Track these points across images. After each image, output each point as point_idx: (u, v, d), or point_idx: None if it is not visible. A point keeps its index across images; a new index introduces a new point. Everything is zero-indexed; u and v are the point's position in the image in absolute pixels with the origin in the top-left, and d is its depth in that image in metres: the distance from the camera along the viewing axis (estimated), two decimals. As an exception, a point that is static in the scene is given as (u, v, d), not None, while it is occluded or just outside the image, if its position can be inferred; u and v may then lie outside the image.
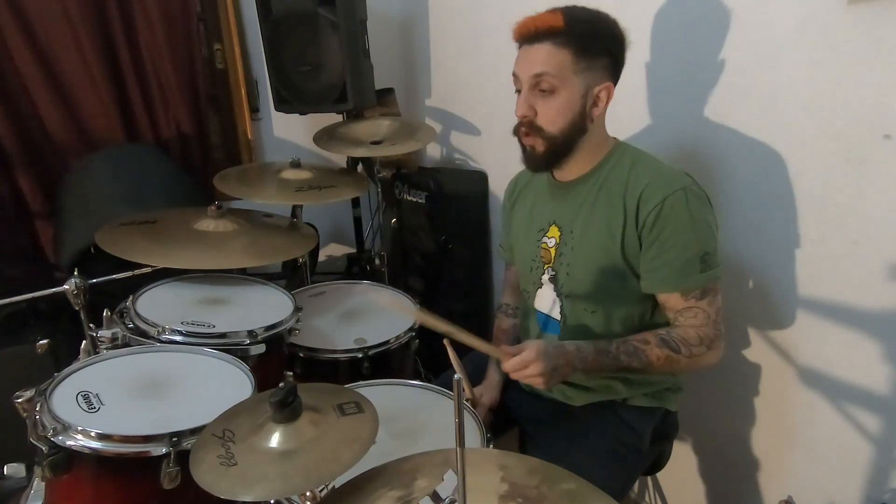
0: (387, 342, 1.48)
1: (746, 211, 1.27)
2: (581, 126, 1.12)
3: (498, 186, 2.20)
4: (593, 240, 1.15)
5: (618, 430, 1.21)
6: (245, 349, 1.29)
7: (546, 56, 1.08)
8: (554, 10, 1.09)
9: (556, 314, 1.25)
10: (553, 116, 1.11)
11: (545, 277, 1.25)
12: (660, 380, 1.23)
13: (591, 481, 0.81)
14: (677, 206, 1.07)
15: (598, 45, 1.09)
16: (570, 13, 1.08)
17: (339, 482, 0.83)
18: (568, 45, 1.07)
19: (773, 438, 1.33)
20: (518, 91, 1.15)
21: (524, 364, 1.04)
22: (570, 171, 1.20)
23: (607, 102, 1.13)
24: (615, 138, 1.22)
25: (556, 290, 1.24)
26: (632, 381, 1.21)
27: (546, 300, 1.27)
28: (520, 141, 1.18)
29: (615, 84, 1.14)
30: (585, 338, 1.17)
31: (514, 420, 1.38)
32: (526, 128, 1.14)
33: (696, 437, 1.54)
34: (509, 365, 1.06)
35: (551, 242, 1.23)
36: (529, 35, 1.10)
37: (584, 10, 1.10)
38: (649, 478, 1.69)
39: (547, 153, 1.15)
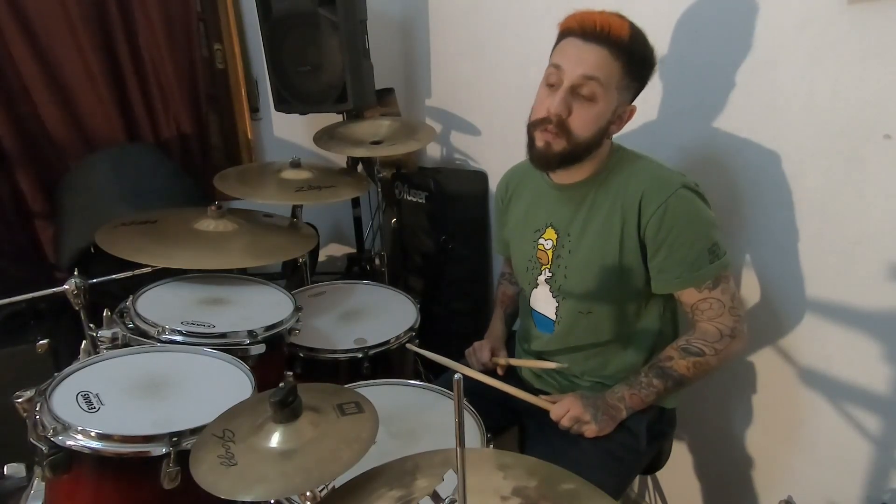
0: (387, 342, 1.48)
1: (747, 211, 1.27)
2: (602, 138, 1.13)
3: (498, 186, 2.20)
4: (592, 243, 1.17)
5: (615, 430, 1.21)
6: (245, 349, 1.28)
7: (601, 61, 1.04)
8: (621, 17, 1.05)
9: (552, 314, 1.27)
10: (587, 123, 1.08)
11: (542, 278, 1.27)
12: None
13: (589, 481, 0.81)
14: (679, 206, 1.09)
15: (643, 69, 1.10)
16: (634, 27, 1.06)
17: (339, 482, 0.83)
18: (622, 58, 1.05)
19: (773, 438, 1.33)
20: (551, 85, 1.09)
21: (565, 409, 1.17)
22: (571, 175, 1.19)
23: (625, 123, 1.15)
24: (611, 141, 1.21)
25: (552, 291, 1.25)
26: (617, 376, 1.23)
27: (542, 300, 1.28)
28: (531, 137, 1.14)
29: None
30: (576, 338, 1.23)
31: (516, 415, 1.38)
32: (555, 126, 1.08)
33: (697, 437, 1.54)
34: (553, 412, 1.18)
35: (548, 244, 1.25)
36: (591, 32, 1.04)
37: (640, 29, 1.08)
38: (649, 477, 1.69)
39: (564, 154, 1.11)
